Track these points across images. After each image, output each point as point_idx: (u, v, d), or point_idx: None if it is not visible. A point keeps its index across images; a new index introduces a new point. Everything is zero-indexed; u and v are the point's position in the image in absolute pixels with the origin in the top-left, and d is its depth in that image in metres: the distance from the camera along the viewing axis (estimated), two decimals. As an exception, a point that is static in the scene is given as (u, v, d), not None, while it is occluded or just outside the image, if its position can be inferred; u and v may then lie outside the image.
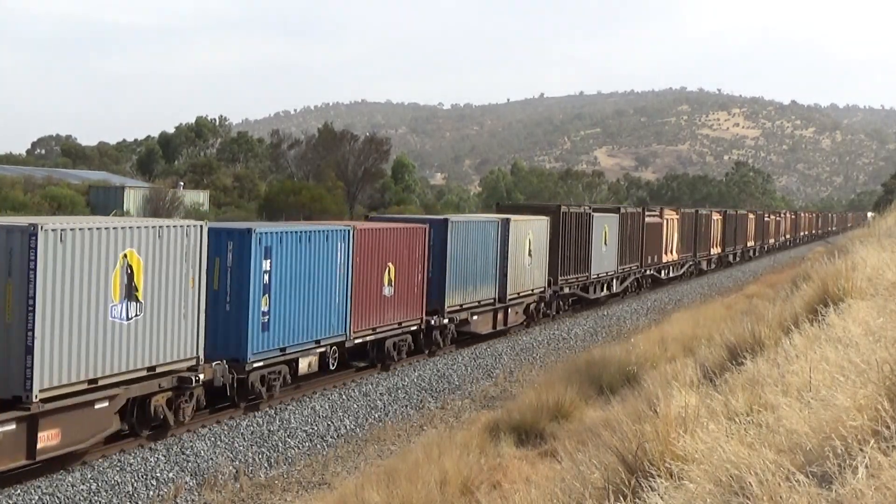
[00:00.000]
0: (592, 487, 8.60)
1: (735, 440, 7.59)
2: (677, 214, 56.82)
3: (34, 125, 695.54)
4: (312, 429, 21.29)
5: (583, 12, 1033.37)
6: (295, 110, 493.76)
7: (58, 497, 15.73)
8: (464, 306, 30.36)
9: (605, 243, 43.36)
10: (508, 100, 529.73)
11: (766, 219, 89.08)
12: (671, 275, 56.10)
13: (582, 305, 42.59)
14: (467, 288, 30.38)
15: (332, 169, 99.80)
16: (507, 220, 33.40)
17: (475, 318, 31.17)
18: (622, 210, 47.60)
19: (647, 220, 49.62)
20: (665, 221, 53.65)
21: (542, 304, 37.33)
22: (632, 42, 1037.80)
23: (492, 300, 32.33)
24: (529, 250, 35.04)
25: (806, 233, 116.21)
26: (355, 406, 23.24)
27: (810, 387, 8.56)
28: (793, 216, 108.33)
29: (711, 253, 65.78)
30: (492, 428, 18.77)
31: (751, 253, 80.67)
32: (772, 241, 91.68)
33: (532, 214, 37.57)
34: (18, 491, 15.54)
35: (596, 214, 42.37)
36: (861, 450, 6.31)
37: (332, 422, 21.96)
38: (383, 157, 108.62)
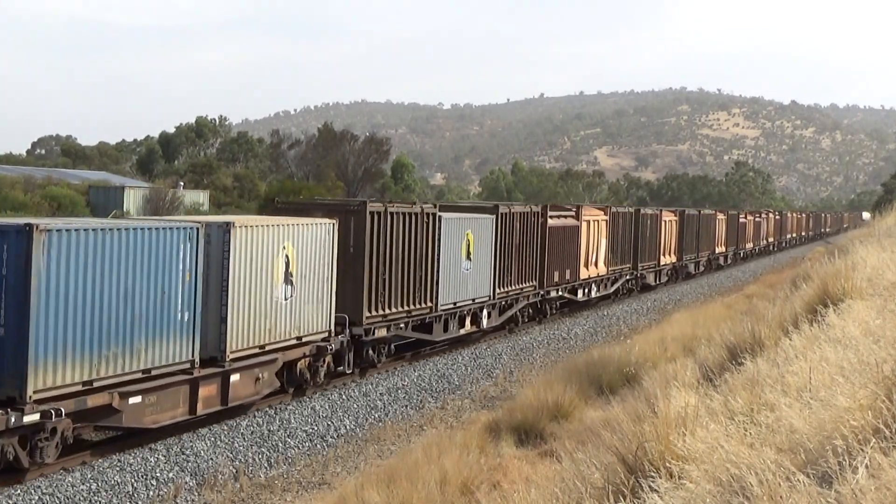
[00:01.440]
0: (592, 487, 8.61)
1: (735, 440, 7.59)
2: (605, 215, 43.74)
3: (34, 125, 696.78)
4: (312, 429, 21.29)
5: (583, 13, 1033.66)
6: (295, 110, 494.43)
7: (58, 497, 15.72)
8: (97, 383, 16.59)
9: (469, 257, 29.82)
10: (508, 100, 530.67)
11: (741, 220, 75.52)
12: (595, 294, 42.67)
13: (432, 351, 29.78)
14: (107, 348, 16.84)
15: (332, 169, 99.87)
16: (226, 226, 19.78)
17: (135, 401, 17.57)
18: (502, 209, 32.89)
19: (550, 222, 36.46)
20: (585, 224, 40.66)
21: (326, 359, 23.31)
22: (632, 42, 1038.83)
23: (186, 364, 18.66)
24: (289, 274, 21.70)
25: (794, 235, 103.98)
26: (355, 406, 23.23)
27: (810, 387, 8.56)
28: (777, 217, 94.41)
29: (662, 263, 52.74)
30: (492, 428, 18.77)
31: (720, 261, 67.37)
32: (749, 245, 78.48)
33: (325, 216, 23.95)
34: (18, 491, 15.54)
35: (446, 216, 28.68)
36: (861, 449, 6.31)
37: (332, 422, 21.96)
38: (383, 157, 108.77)
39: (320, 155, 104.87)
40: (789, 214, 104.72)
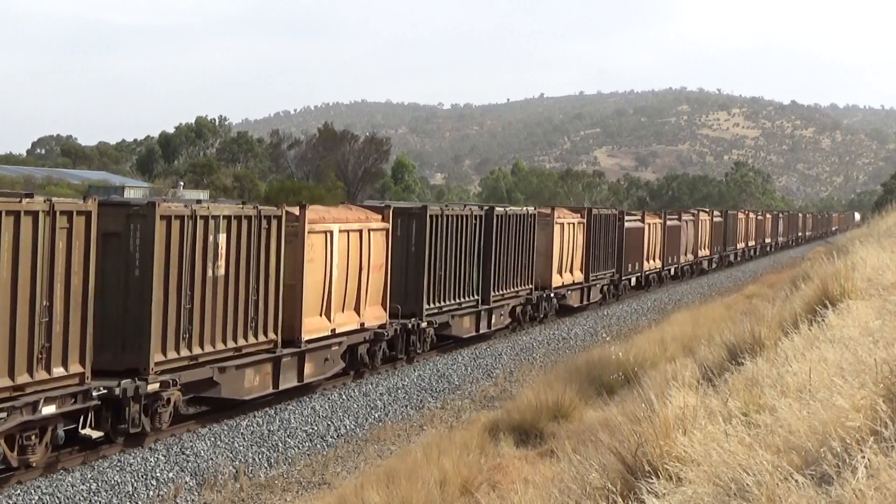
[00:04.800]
0: (591, 487, 8.62)
1: (734, 441, 7.60)
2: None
3: (34, 125, 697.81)
4: (312, 429, 21.30)
5: (583, 12, 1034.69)
6: (295, 110, 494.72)
7: (58, 497, 15.74)
8: None
9: None
10: (508, 100, 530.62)
11: (627, 224, 45.97)
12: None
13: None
14: None
15: (332, 169, 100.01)
16: None
17: None
18: None
19: None
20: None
21: None
22: (632, 42, 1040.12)
23: None
24: None
25: (750, 245, 76.50)
26: (355, 406, 23.25)
27: (809, 387, 8.57)
28: (717, 218, 65.32)
29: (362, 321, 24.46)
30: (491, 428, 18.77)
31: (569, 299, 39.12)
32: (652, 265, 50.66)
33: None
34: (18, 491, 15.55)
35: None
36: (860, 450, 6.32)
37: (332, 422, 21.97)
38: (383, 157, 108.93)
39: (320, 155, 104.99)
40: (740, 215, 74.83)
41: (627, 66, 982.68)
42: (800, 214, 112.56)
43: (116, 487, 16.56)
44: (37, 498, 15.52)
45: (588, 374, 22.05)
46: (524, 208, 37.79)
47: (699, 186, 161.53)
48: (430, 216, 27.55)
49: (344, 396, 23.62)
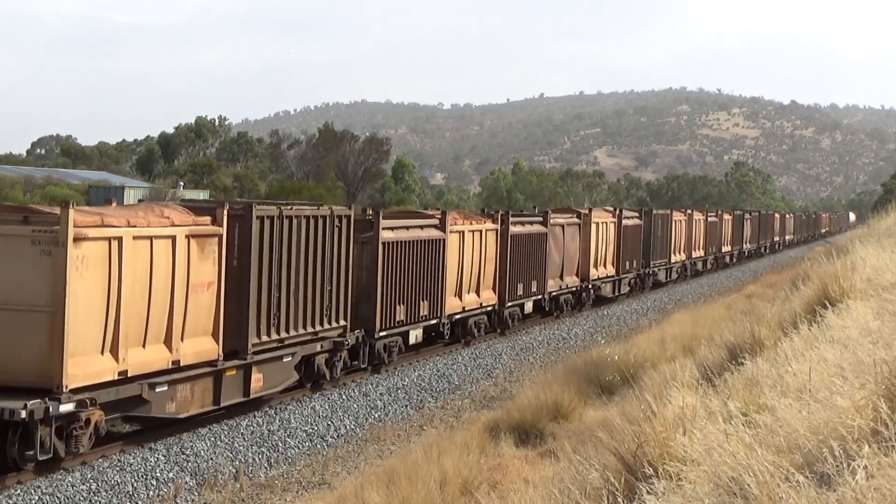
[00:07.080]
0: (591, 487, 8.62)
1: (734, 441, 7.60)
2: None
3: (34, 125, 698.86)
4: (312, 429, 21.30)
5: (583, 12, 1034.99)
6: (295, 110, 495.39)
7: (58, 497, 15.73)
8: None
9: None
10: (508, 100, 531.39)
11: (380, 235, 24.43)
12: None
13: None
14: None
15: (332, 169, 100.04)
16: None
17: None
18: None
19: None
20: None
21: None
22: (632, 42, 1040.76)
23: None
24: None
25: (695, 256, 55.80)
26: (355, 406, 23.24)
27: (809, 387, 8.57)
28: (634, 220, 46.22)
29: None
30: (492, 428, 18.77)
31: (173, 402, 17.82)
32: (466, 302, 29.65)
33: None
34: (18, 491, 15.55)
35: None
36: (860, 451, 6.33)
37: (332, 422, 21.97)
38: (383, 157, 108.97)
39: (320, 155, 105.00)
40: (676, 216, 52.42)
41: (627, 66, 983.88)
42: (776, 215, 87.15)
43: (116, 487, 16.56)
44: (37, 498, 15.52)
45: (588, 374, 22.04)
46: None
47: (699, 186, 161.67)
48: None
49: (344, 396, 23.62)
